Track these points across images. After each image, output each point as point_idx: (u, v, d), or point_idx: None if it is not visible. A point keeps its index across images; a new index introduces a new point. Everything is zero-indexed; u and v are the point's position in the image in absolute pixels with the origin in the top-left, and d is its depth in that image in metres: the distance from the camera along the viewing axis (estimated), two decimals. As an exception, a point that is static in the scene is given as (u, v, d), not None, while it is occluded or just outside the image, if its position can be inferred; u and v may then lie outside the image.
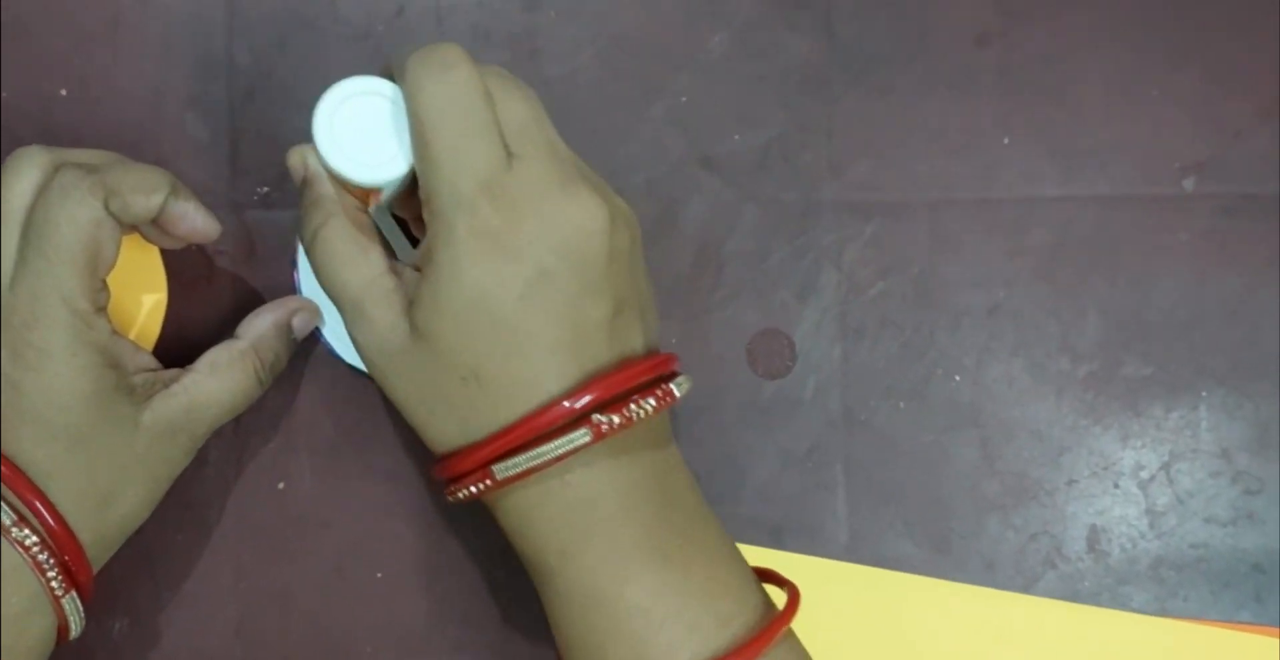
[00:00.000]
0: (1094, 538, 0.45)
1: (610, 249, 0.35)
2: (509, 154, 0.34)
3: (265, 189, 0.46)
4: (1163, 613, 0.45)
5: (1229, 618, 0.45)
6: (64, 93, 0.46)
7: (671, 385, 0.35)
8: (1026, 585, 0.45)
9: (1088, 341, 0.46)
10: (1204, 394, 0.46)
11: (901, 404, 0.46)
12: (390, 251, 0.37)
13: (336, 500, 0.45)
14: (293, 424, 0.45)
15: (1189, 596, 0.45)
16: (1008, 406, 0.46)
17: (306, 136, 0.46)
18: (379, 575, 0.45)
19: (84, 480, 0.36)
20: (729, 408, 0.45)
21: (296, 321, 0.42)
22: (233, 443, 0.45)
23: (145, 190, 0.37)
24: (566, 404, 0.33)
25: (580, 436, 0.33)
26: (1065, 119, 0.46)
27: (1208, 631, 0.44)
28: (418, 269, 0.36)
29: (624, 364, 0.35)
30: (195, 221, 0.38)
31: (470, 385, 0.34)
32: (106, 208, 0.36)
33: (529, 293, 0.33)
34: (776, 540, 0.45)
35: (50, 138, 0.46)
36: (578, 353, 0.34)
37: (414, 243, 0.38)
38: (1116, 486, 0.45)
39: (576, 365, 0.34)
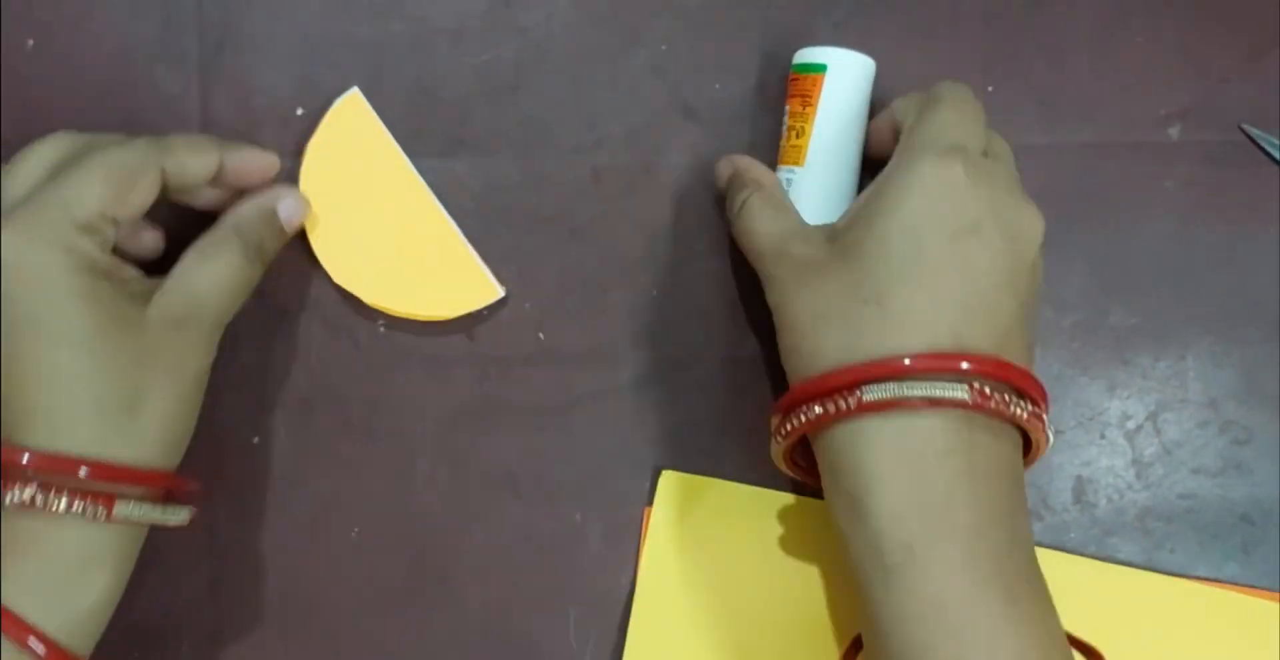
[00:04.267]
0: (1080, 489, 0.45)
1: (1036, 260, 0.37)
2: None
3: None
4: (1150, 564, 0.44)
5: (1217, 569, 0.44)
6: (31, 44, 0.45)
7: (1048, 422, 0.36)
8: (1013, 537, 0.44)
9: (1073, 291, 0.45)
10: (1191, 343, 0.45)
11: (886, 355, 0.45)
12: None
13: (311, 457, 0.44)
14: (267, 380, 0.44)
15: (1176, 548, 0.44)
16: (993, 357, 0.45)
17: (277, 89, 0.45)
18: (354, 532, 0.44)
19: (100, 385, 0.36)
20: (713, 360, 0.45)
21: (282, 207, 0.42)
22: (206, 398, 0.44)
23: (199, 150, 0.40)
24: (951, 359, 0.34)
25: (959, 391, 0.34)
26: (1049, 66, 0.46)
27: (1209, 592, 0.44)
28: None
29: (1010, 362, 0.35)
30: (255, 162, 0.42)
31: (870, 307, 0.35)
32: (161, 166, 0.39)
33: (959, 240, 0.35)
34: (760, 494, 0.44)
35: (17, 90, 0.45)
36: (976, 319, 0.35)
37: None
38: (1103, 437, 0.45)
39: (967, 331, 0.35)
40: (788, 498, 0.44)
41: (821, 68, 0.42)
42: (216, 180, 0.41)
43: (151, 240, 0.42)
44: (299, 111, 0.45)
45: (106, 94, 0.45)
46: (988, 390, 0.34)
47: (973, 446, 0.34)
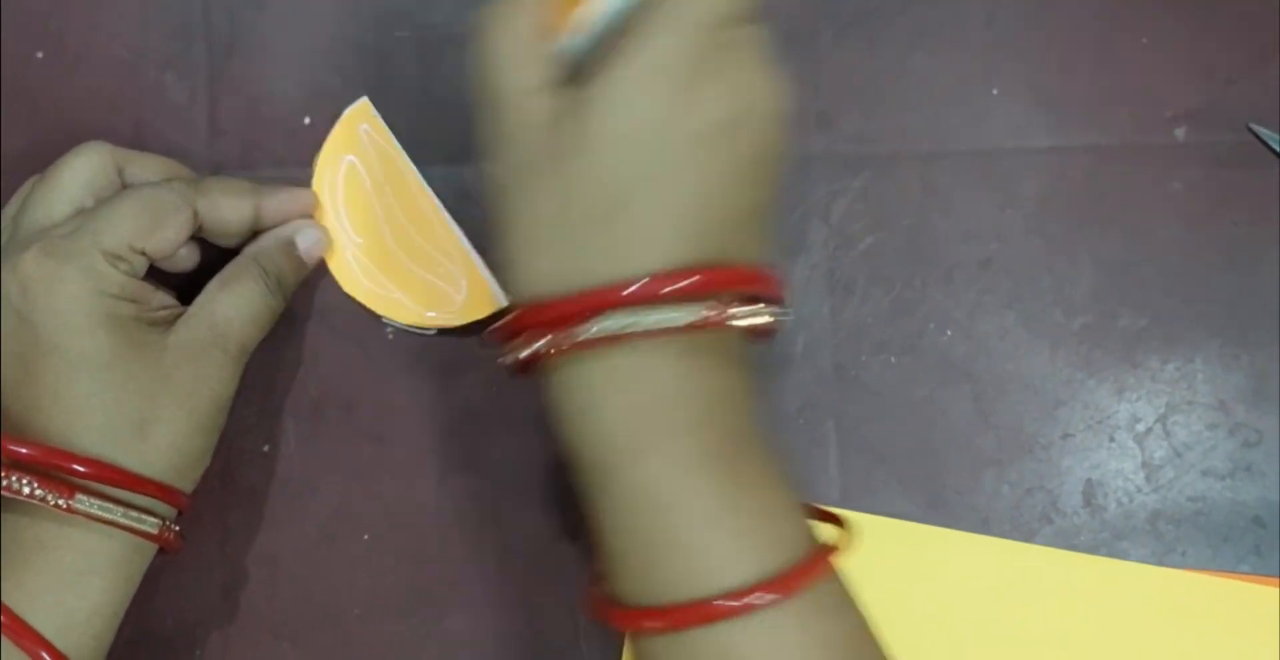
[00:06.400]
0: (1090, 492, 0.45)
1: (780, 148, 0.34)
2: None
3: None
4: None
5: (1228, 572, 0.44)
6: (40, 55, 0.45)
7: (776, 310, 0.34)
8: (1022, 540, 0.44)
9: (1082, 293, 0.45)
10: (1200, 345, 0.45)
11: (893, 359, 0.45)
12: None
13: (322, 463, 0.44)
14: (277, 387, 0.45)
15: (1187, 551, 0.44)
16: (1001, 360, 0.45)
17: (285, 98, 0.46)
18: (366, 538, 0.44)
19: (113, 409, 0.37)
20: (719, 365, 0.45)
21: (301, 239, 0.42)
22: (216, 406, 0.44)
23: (234, 194, 0.41)
24: (681, 281, 0.31)
25: (682, 314, 0.32)
26: (1055, 68, 0.46)
27: (1207, 581, 0.44)
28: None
29: (744, 265, 0.33)
30: (293, 205, 0.43)
31: (597, 224, 0.32)
32: (195, 207, 0.40)
33: (694, 147, 0.32)
34: (769, 499, 0.44)
35: (26, 101, 0.45)
36: (709, 227, 0.32)
37: None
38: (1112, 440, 0.45)
39: (704, 240, 0.32)
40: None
41: None
42: (256, 223, 0.42)
43: (188, 254, 0.42)
44: (307, 121, 0.45)
45: (116, 104, 0.45)
46: (709, 313, 0.32)
47: (695, 351, 0.33)
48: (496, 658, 0.44)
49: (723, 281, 0.32)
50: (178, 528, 0.39)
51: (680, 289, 0.31)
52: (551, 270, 0.33)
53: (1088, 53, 0.46)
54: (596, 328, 0.32)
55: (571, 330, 0.32)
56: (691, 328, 0.32)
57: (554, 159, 0.32)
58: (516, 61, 0.33)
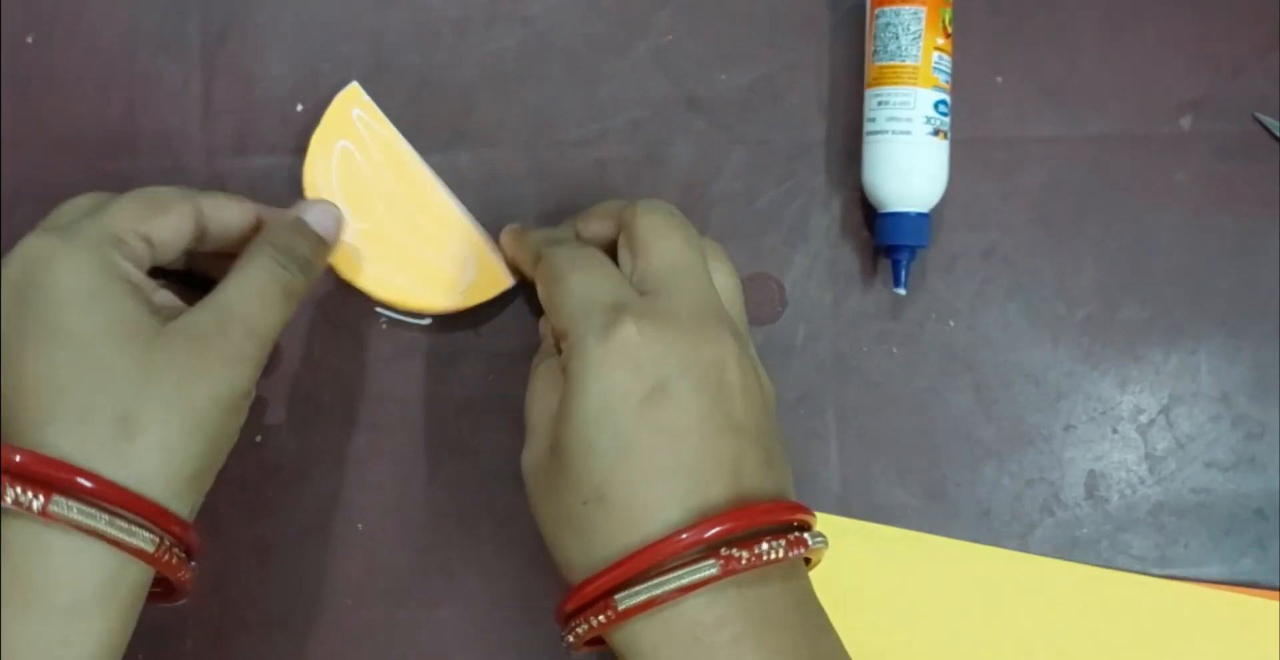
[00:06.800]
0: (1092, 484, 0.44)
1: (741, 384, 0.35)
2: (644, 292, 0.36)
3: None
4: (1163, 560, 0.44)
5: (1232, 564, 0.44)
6: (30, 39, 0.45)
7: (805, 536, 0.34)
8: (1023, 532, 0.44)
9: (1084, 284, 0.45)
10: (1203, 337, 0.45)
11: (894, 349, 0.44)
12: None
13: (315, 453, 0.44)
14: (270, 377, 0.44)
15: (1189, 543, 0.44)
16: (1003, 351, 0.44)
17: (279, 80, 0.45)
18: (359, 527, 0.44)
19: (91, 397, 0.33)
20: (717, 355, 0.44)
21: (308, 214, 0.40)
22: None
23: (237, 200, 0.40)
24: (689, 535, 0.33)
25: (706, 569, 0.32)
26: (1059, 57, 0.45)
27: (1208, 593, 0.43)
28: None
29: (749, 502, 0.34)
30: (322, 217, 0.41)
31: (592, 507, 0.34)
32: (198, 204, 0.39)
33: (650, 407, 0.34)
34: (767, 490, 0.44)
35: (17, 84, 0.45)
36: (698, 480, 0.34)
37: None
38: (1115, 431, 0.44)
39: (698, 493, 0.34)
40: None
41: None
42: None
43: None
44: (299, 108, 0.45)
45: (109, 86, 0.45)
46: (735, 553, 0.33)
47: (745, 605, 0.33)
48: (489, 648, 0.43)
49: (733, 527, 0.33)
50: (182, 555, 0.35)
51: (687, 544, 0.33)
52: (571, 556, 0.35)
53: (1093, 41, 0.45)
54: (623, 604, 0.33)
55: (602, 612, 0.33)
56: (718, 577, 0.32)
57: (551, 457, 0.35)
58: (543, 393, 0.37)
